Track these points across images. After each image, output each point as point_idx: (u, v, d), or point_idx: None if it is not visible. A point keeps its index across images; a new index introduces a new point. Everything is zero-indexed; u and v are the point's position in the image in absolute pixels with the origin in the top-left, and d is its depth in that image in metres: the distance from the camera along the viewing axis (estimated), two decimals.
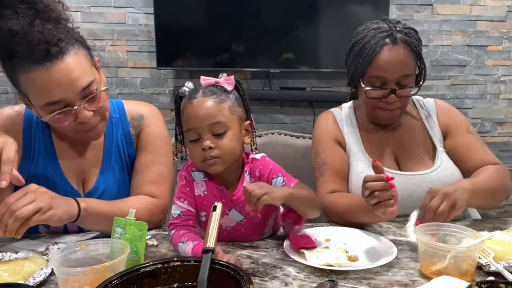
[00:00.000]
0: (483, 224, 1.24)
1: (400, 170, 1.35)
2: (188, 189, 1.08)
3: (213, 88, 1.03)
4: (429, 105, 1.45)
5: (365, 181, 1.05)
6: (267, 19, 2.79)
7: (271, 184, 1.07)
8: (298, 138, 1.78)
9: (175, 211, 1.07)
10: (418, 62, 1.33)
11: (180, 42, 2.76)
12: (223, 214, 1.05)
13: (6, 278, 0.87)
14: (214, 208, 0.94)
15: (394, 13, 2.85)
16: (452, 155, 1.37)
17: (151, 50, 2.76)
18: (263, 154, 1.12)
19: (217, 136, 1.00)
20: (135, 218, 0.96)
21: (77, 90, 1.02)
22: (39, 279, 0.88)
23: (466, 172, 1.34)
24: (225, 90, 1.04)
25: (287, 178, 1.08)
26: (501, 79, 3.06)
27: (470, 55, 3.00)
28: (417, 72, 1.35)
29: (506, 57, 3.04)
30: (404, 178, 1.31)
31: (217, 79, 1.05)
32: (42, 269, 0.91)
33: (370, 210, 1.05)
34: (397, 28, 1.31)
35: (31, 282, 0.86)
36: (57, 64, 0.99)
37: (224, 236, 1.08)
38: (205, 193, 1.07)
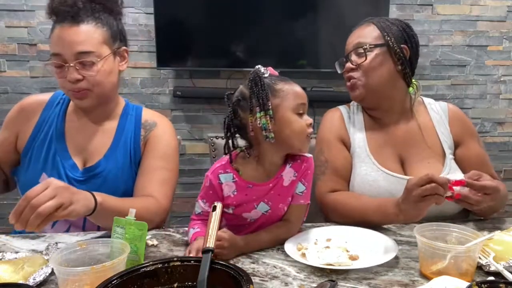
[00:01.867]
0: (483, 224, 1.24)
1: (405, 173, 1.33)
2: (211, 192, 1.10)
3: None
4: (441, 109, 1.43)
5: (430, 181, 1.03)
6: (267, 19, 2.78)
7: (295, 186, 1.10)
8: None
9: (197, 209, 1.13)
10: (383, 36, 1.33)
11: (180, 42, 2.76)
12: (251, 209, 1.08)
13: (6, 278, 0.87)
14: (214, 208, 0.95)
15: (394, 13, 2.85)
16: (463, 165, 1.34)
17: (151, 50, 2.76)
18: (311, 155, 1.14)
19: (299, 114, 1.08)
20: (135, 218, 0.96)
21: (74, 51, 1.17)
22: (39, 279, 0.88)
23: None
24: None
25: (307, 192, 1.12)
26: (501, 79, 3.06)
27: (470, 55, 3.00)
28: (385, 44, 1.32)
29: (506, 57, 3.04)
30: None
31: (276, 72, 1.13)
32: (42, 269, 0.91)
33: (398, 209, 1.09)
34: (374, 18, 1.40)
35: (31, 282, 0.86)
36: (70, 26, 1.17)
37: (243, 227, 1.10)
38: (235, 193, 1.09)
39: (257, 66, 1.08)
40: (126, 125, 1.33)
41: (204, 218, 1.09)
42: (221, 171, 1.10)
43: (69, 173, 1.25)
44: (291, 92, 1.06)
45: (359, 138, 1.39)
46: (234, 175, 1.09)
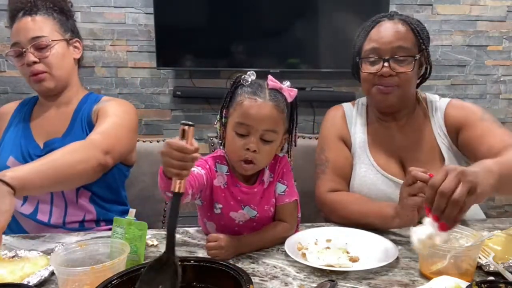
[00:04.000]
0: (483, 224, 1.24)
1: (405, 175, 1.27)
2: (208, 167, 1.08)
3: (277, 93, 1.04)
4: (439, 107, 1.37)
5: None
6: (267, 19, 2.79)
7: (274, 187, 1.10)
8: (298, 138, 1.78)
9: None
10: (419, 43, 1.27)
11: (180, 42, 2.76)
12: (238, 209, 1.08)
13: (6, 278, 0.87)
14: (183, 133, 0.77)
15: None
16: (465, 149, 1.29)
17: (151, 50, 2.76)
18: (285, 154, 1.14)
19: (264, 142, 1.02)
20: (135, 218, 0.96)
21: (28, 37, 1.29)
22: (38, 279, 0.88)
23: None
24: (285, 100, 1.05)
25: (289, 190, 1.10)
26: (501, 79, 3.06)
27: (470, 55, 3.00)
28: (420, 55, 1.28)
29: (506, 57, 3.04)
30: None
31: (282, 86, 1.05)
32: (42, 269, 0.91)
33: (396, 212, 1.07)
34: (398, 13, 1.33)
35: (30, 282, 0.86)
36: (25, 18, 1.31)
37: (235, 231, 1.09)
38: (225, 186, 1.09)
39: (249, 72, 1.06)
40: (83, 107, 1.39)
41: (194, 176, 1.00)
42: (218, 161, 1.10)
43: (31, 152, 1.32)
44: (241, 109, 1.01)
45: (360, 138, 1.37)
46: (228, 169, 1.10)
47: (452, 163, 1.30)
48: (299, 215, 1.16)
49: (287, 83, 1.06)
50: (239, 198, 1.08)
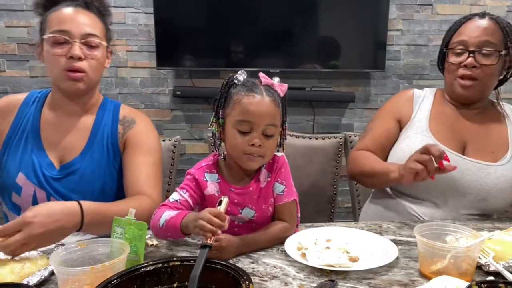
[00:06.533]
0: (483, 224, 1.24)
1: (464, 155, 1.34)
2: (194, 184, 1.10)
3: (271, 89, 1.05)
4: None
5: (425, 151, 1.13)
6: (267, 19, 2.79)
7: (273, 186, 1.10)
8: (298, 138, 1.78)
9: (174, 197, 1.09)
10: (506, 41, 1.33)
11: (180, 42, 2.76)
12: (236, 213, 1.08)
13: (6, 278, 0.87)
14: (220, 203, 0.94)
15: (394, 13, 2.85)
16: None
17: (151, 50, 2.76)
18: (283, 153, 1.14)
19: (266, 136, 1.04)
20: (135, 218, 0.96)
21: (82, 31, 1.21)
22: (38, 279, 0.88)
23: None
24: (278, 95, 1.06)
25: (288, 190, 1.10)
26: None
27: None
28: (506, 53, 1.33)
29: None
30: (460, 161, 1.31)
31: (273, 82, 1.07)
32: (41, 269, 0.91)
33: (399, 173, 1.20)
34: (490, 14, 1.37)
35: (30, 282, 0.86)
36: (79, 9, 1.24)
37: (235, 232, 1.08)
38: (219, 193, 1.09)
39: (239, 72, 1.07)
40: (103, 120, 1.32)
41: (180, 208, 1.07)
42: (207, 170, 1.11)
43: (46, 172, 1.24)
44: (240, 107, 1.02)
45: (422, 115, 1.42)
46: (219, 176, 1.10)
47: None
48: (299, 215, 1.16)
49: (277, 79, 1.08)
50: (236, 201, 1.08)
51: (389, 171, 1.27)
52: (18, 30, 2.68)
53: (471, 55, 1.31)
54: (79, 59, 1.20)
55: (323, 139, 1.79)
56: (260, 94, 1.03)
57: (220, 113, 1.07)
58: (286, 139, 1.13)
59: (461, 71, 1.34)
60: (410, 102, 1.46)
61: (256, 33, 2.78)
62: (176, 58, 2.76)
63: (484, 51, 1.31)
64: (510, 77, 1.40)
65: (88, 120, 1.31)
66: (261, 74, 1.07)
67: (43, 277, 0.89)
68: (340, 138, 1.78)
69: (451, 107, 1.43)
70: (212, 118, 1.09)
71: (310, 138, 1.78)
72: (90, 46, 1.23)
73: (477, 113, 1.42)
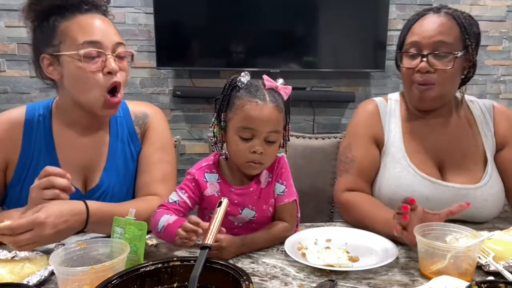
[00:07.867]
0: (483, 224, 1.24)
1: (443, 178, 1.24)
2: (193, 184, 1.10)
3: (274, 93, 1.04)
4: (485, 108, 1.32)
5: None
6: (267, 19, 2.79)
7: (273, 187, 1.10)
8: (298, 138, 1.78)
9: (173, 197, 1.09)
10: (464, 38, 1.20)
11: (180, 42, 2.76)
12: (236, 214, 1.08)
13: (6, 278, 0.87)
14: (219, 204, 0.94)
15: (394, 13, 2.85)
16: (503, 169, 1.27)
17: (151, 50, 2.76)
18: (283, 154, 1.13)
19: (268, 143, 1.03)
20: (135, 218, 0.96)
21: (113, 41, 1.11)
22: (38, 279, 0.88)
23: (510, 190, 1.27)
24: (282, 98, 1.05)
25: (288, 190, 1.10)
26: (501, 79, 3.06)
27: None
28: (464, 52, 1.20)
29: (506, 57, 3.04)
30: (445, 189, 1.22)
31: (277, 84, 1.05)
32: (41, 269, 0.91)
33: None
34: (447, 6, 1.24)
35: (30, 282, 0.86)
36: (102, 16, 1.15)
37: (235, 233, 1.08)
38: (219, 193, 1.09)
39: (242, 73, 1.05)
40: (118, 129, 1.24)
41: (178, 209, 1.07)
42: (207, 170, 1.11)
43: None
44: (243, 113, 1.01)
45: (394, 137, 1.29)
46: (219, 177, 1.10)
47: (493, 171, 1.26)
48: (299, 215, 1.16)
49: (280, 81, 1.07)
50: (236, 201, 1.08)
51: (389, 227, 1.07)
52: (18, 30, 2.68)
53: (423, 59, 1.18)
54: (113, 70, 1.09)
55: (323, 139, 1.79)
56: (263, 100, 1.01)
57: (222, 116, 1.07)
58: (289, 140, 1.12)
59: (417, 77, 1.21)
60: (378, 120, 1.32)
61: (256, 33, 2.79)
62: (176, 58, 2.76)
63: (438, 53, 1.18)
64: (472, 76, 1.27)
65: (103, 133, 1.22)
66: (265, 77, 1.05)
67: (43, 277, 0.88)
68: (340, 138, 1.78)
69: (419, 119, 1.30)
70: (213, 119, 1.08)
71: (310, 138, 1.78)
72: (119, 57, 1.12)
73: (445, 122, 1.29)
